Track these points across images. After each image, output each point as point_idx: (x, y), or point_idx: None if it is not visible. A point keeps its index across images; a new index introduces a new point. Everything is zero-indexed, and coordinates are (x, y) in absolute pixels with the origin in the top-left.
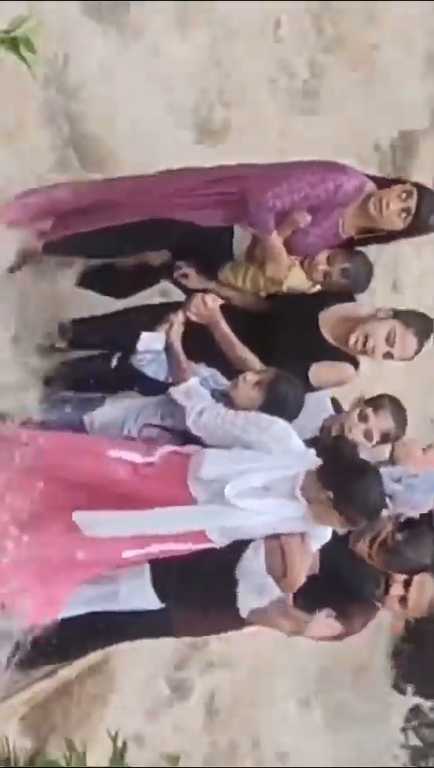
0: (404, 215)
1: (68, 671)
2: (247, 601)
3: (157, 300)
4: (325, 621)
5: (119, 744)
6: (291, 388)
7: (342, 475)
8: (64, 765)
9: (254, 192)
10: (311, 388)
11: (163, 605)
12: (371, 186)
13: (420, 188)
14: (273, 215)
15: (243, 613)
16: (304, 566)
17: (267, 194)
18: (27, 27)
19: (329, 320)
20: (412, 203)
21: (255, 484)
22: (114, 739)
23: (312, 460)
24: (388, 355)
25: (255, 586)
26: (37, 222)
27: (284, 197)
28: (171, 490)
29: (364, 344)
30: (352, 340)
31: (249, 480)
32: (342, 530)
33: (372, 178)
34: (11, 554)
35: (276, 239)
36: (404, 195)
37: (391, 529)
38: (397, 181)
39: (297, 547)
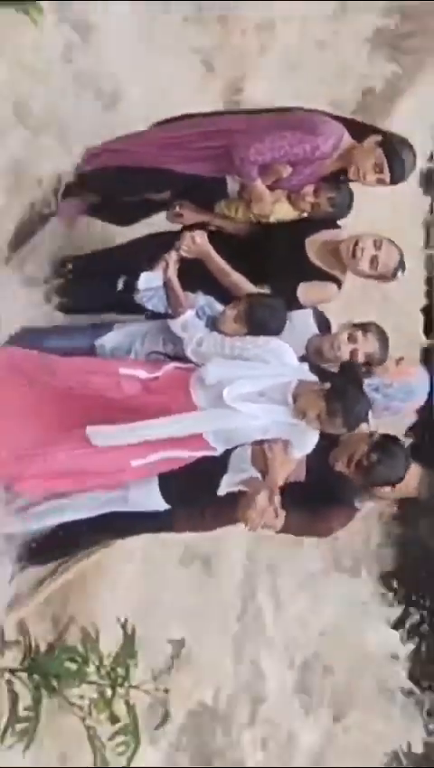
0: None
1: (76, 566)
2: (228, 484)
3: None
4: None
5: (129, 630)
6: (267, 310)
7: (345, 377)
8: (81, 650)
9: (239, 147)
10: (299, 306)
11: (168, 507)
12: (346, 141)
13: (389, 141)
14: (256, 167)
15: (221, 492)
16: (283, 468)
17: (250, 150)
18: None
19: (315, 243)
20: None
21: (251, 390)
22: (123, 626)
23: (304, 370)
24: (375, 260)
25: (238, 470)
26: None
27: (265, 153)
28: (175, 398)
29: (354, 251)
30: (344, 250)
31: (245, 385)
32: (317, 427)
33: (349, 123)
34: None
35: (259, 186)
36: (378, 169)
37: (365, 449)
38: (371, 128)
39: (279, 450)
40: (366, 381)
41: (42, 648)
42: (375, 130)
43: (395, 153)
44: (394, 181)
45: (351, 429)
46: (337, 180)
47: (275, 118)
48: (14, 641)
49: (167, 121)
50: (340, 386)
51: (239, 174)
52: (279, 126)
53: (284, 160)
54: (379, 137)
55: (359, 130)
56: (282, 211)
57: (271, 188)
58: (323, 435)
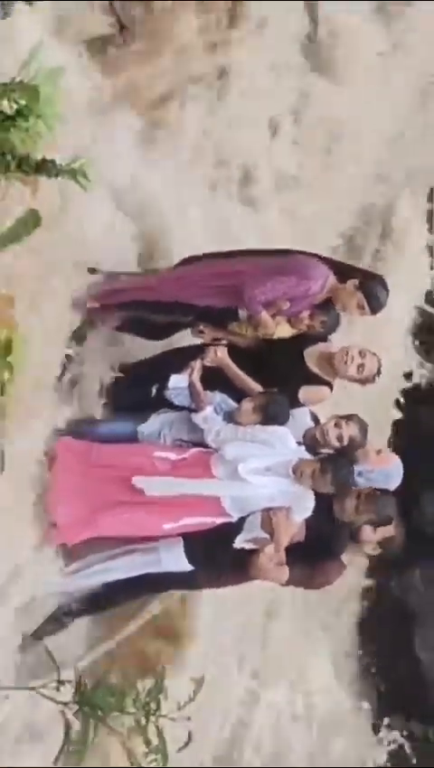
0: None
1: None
2: (242, 540)
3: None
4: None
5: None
6: (277, 407)
7: (337, 454)
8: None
9: (247, 289)
10: (298, 405)
11: (192, 568)
12: (331, 281)
13: (366, 284)
14: (261, 304)
15: (236, 544)
16: (287, 531)
17: (255, 292)
18: (81, 162)
19: (312, 355)
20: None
21: (260, 465)
22: (157, 669)
23: (302, 451)
24: (361, 366)
25: (250, 531)
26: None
27: (268, 294)
28: (198, 472)
29: (345, 359)
30: (338, 359)
31: (256, 462)
32: (310, 484)
33: (334, 265)
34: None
35: (264, 316)
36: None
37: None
38: (350, 268)
39: (283, 517)
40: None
41: (90, 685)
42: (353, 269)
43: (372, 294)
44: (373, 313)
45: (338, 487)
46: (327, 305)
47: (275, 263)
48: (68, 679)
49: (185, 261)
50: (332, 456)
51: (247, 309)
52: (279, 270)
53: (283, 298)
54: (357, 281)
55: (342, 270)
56: (283, 331)
57: (273, 315)
58: (318, 503)
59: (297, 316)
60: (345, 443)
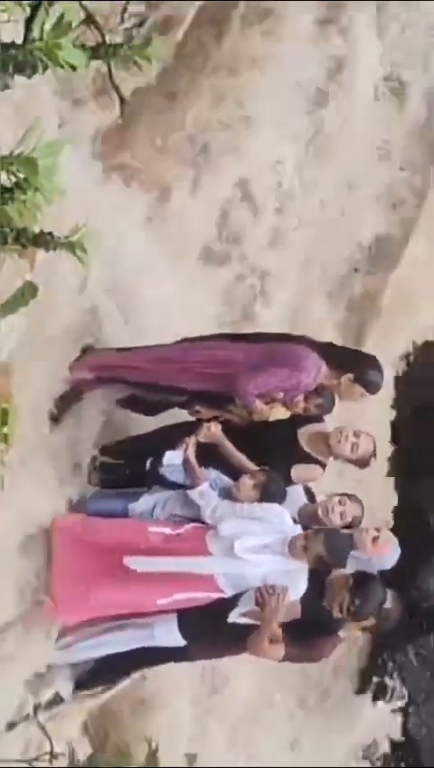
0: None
1: (114, 691)
2: (236, 614)
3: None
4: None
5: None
6: (277, 485)
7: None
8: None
9: (239, 382)
10: (291, 483)
11: (185, 642)
12: (324, 372)
13: (361, 378)
14: (254, 396)
15: (230, 619)
16: (280, 607)
17: (248, 386)
18: (80, 234)
19: (305, 435)
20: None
21: (256, 543)
22: (149, 743)
23: (298, 529)
24: (355, 446)
25: (245, 605)
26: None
27: (260, 387)
28: (193, 547)
29: (340, 438)
30: (333, 438)
31: (252, 539)
32: (304, 557)
33: (325, 350)
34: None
35: (259, 405)
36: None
37: (348, 597)
38: (344, 352)
39: (277, 594)
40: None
41: (83, 758)
42: (344, 353)
43: (370, 383)
44: (372, 393)
45: (332, 558)
46: (322, 388)
47: (268, 352)
48: (62, 752)
49: (181, 341)
50: (328, 530)
51: (241, 401)
52: (272, 361)
53: (277, 390)
54: (352, 376)
55: (333, 355)
56: (279, 414)
57: (267, 403)
58: (311, 581)
59: (293, 400)
60: (348, 520)
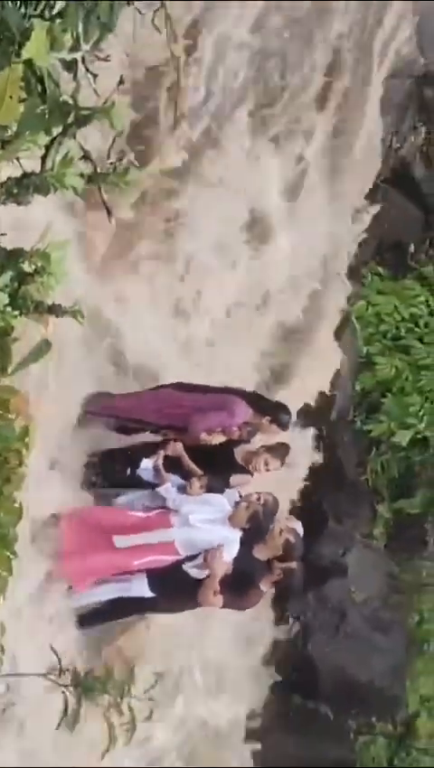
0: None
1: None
2: (190, 566)
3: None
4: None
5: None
6: (217, 483)
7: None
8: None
9: (192, 425)
10: (229, 487)
11: (152, 594)
12: (249, 413)
13: (275, 419)
14: (202, 433)
15: (185, 569)
16: (219, 565)
17: (198, 428)
18: (77, 306)
19: (239, 452)
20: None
21: (206, 516)
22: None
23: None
24: (266, 462)
25: (196, 567)
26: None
27: (205, 428)
28: (160, 522)
29: (256, 460)
30: (252, 460)
31: (202, 515)
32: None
33: (251, 398)
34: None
35: (204, 437)
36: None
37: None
38: (263, 399)
39: (216, 555)
40: None
41: (82, 674)
42: (263, 400)
43: (282, 422)
44: (284, 431)
45: (264, 515)
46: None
47: (212, 401)
48: (67, 668)
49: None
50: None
51: (192, 434)
52: (214, 407)
53: (217, 428)
54: (269, 418)
55: (256, 401)
56: (219, 439)
57: (210, 433)
58: (241, 548)
59: (229, 430)
60: (270, 468)
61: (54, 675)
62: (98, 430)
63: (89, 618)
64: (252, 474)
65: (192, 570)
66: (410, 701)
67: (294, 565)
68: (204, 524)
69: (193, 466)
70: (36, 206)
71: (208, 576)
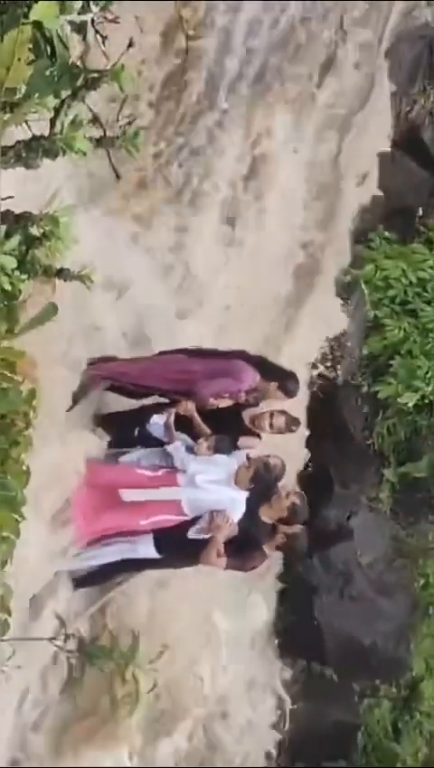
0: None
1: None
2: (194, 532)
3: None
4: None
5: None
6: (222, 443)
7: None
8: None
9: (199, 390)
10: (237, 449)
11: (159, 555)
12: (257, 379)
13: (283, 385)
14: (209, 398)
15: (190, 536)
16: (225, 527)
17: (205, 392)
18: (87, 270)
19: (246, 416)
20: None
21: (212, 477)
22: (133, 634)
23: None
24: (272, 423)
25: (200, 527)
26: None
27: (212, 393)
28: (168, 480)
29: (261, 419)
30: (257, 419)
31: (209, 474)
32: (249, 486)
33: (259, 363)
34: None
35: (212, 401)
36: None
37: (291, 502)
38: (273, 365)
39: (222, 516)
40: None
41: (88, 640)
42: (273, 366)
43: (288, 390)
44: (290, 398)
45: (267, 472)
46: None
47: (219, 366)
48: (72, 634)
49: (160, 353)
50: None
51: (199, 400)
52: (221, 373)
53: (224, 392)
54: (277, 383)
55: (265, 366)
56: (226, 403)
57: (217, 398)
58: (247, 509)
59: (237, 395)
60: (274, 426)
61: (60, 641)
62: (98, 392)
63: (89, 577)
64: (261, 437)
65: (194, 534)
66: (414, 665)
67: (298, 529)
68: (211, 485)
69: (203, 426)
70: (45, 169)
71: (211, 538)
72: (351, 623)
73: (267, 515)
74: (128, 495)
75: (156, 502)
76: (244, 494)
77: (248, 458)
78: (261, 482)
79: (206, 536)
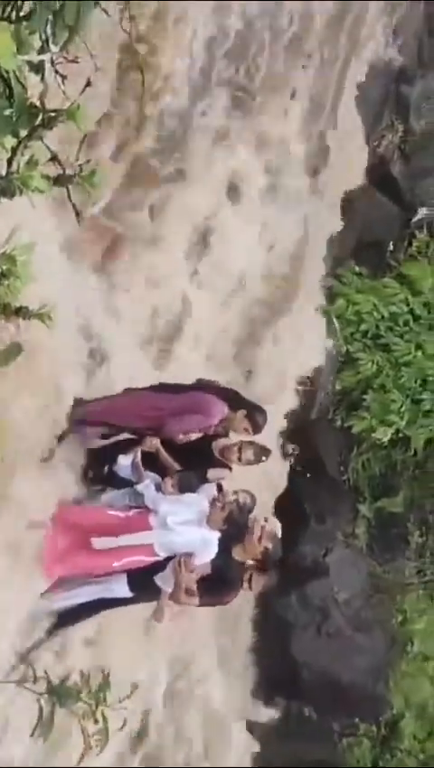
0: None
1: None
2: (159, 580)
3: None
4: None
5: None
6: (187, 481)
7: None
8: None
9: (168, 427)
10: (207, 481)
11: (132, 594)
12: (225, 412)
13: (250, 414)
14: (178, 434)
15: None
16: (188, 576)
17: (173, 430)
18: (47, 308)
19: (216, 447)
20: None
21: (183, 518)
22: (103, 673)
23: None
24: (240, 456)
25: (165, 575)
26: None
27: (181, 429)
28: (140, 524)
29: (230, 451)
30: (226, 451)
31: (180, 516)
32: (222, 527)
33: (228, 395)
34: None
35: (182, 437)
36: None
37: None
38: (242, 399)
39: (182, 566)
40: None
41: (56, 682)
42: (241, 399)
43: (256, 422)
44: (256, 433)
45: (241, 512)
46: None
47: (187, 402)
48: (41, 677)
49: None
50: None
51: (169, 437)
52: (190, 409)
53: (194, 429)
54: (245, 411)
55: (233, 399)
56: (195, 436)
57: (186, 433)
58: (219, 549)
59: (207, 429)
60: (243, 458)
61: (29, 683)
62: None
63: (68, 617)
64: (231, 469)
65: (159, 581)
66: (394, 702)
67: (265, 578)
68: (181, 526)
69: (170, 461)
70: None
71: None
72: (328, 660)
73: (240, 556)
74: (99, 543)
75: (128, 546)
76: (216, 534)
77: (219, 489)
78: (234, 524)
79: (169, 589)
